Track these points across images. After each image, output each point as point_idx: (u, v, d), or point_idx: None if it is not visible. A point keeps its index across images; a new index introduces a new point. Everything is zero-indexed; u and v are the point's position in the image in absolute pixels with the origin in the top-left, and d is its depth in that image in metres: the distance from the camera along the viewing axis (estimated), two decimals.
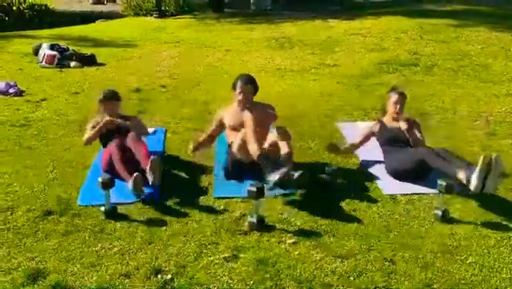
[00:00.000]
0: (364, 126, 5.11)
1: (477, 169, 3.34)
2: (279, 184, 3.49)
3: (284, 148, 3.77)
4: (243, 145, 3.75)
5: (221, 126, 4.29)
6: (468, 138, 4.91)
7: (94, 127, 4.18)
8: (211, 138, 4.36)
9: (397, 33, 10.13)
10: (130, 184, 3.59)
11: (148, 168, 3.64)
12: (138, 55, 8.94)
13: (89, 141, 4.20)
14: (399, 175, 3.91)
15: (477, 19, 11.17)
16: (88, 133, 4.18)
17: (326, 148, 4.47)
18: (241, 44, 9.82)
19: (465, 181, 3.43)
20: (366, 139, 4.33)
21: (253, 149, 3.67)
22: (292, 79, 7.20)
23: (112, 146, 3.93)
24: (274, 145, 3.78)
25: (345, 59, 8.32)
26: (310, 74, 7.49)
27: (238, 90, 4.11)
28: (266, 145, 3.78)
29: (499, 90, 6.46)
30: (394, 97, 4.20)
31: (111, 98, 4.28)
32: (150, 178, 3.63)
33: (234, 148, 3.83)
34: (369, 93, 6.41)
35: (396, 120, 4.16)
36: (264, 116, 4.08)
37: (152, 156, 3.70)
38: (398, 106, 4.16)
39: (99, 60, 8.37)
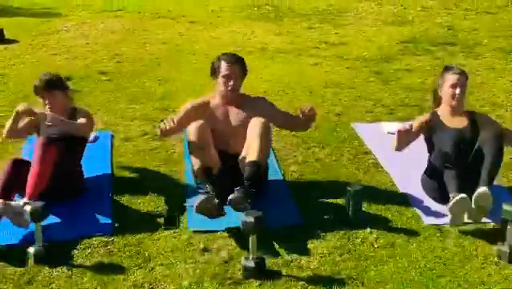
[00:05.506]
0: (391, 127, 5.16)
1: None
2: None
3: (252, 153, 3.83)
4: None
5: (188, 120, 4.12)
6: None
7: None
8: (180, 127, 4.16)
9: None
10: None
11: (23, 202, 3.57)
12: (64, 29, 8.84)
13: (8, 134, 4.07)
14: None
15: None
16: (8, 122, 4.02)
17: None
18: (209, 14, 9.82)
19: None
20: (416, 135, 4.11)
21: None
22: (285, 63, 7.23)
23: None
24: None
25: (355, 36, 8.41)
26: (308, 56, 7.53)
27: (224, 73, 4.06)
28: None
29: None
30: (452, 78, 4.04)
31: (51, 86, 4.07)
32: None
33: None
34: (393, 83, 6.47)
35: (456, 111, 4.07)
36: (259, 114, 4.06)
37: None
38: (458, 89, 4.02)
39: (7, 35, 8.23)
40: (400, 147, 3.97)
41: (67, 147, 3.92)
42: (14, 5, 10.50)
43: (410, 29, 8.68)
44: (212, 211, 3.63)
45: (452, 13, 9.53)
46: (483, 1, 10.13)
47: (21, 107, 3.94)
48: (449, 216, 3.64)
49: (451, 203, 3.59)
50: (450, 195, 3.68)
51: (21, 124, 4.04)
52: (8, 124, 4.04)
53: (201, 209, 3.61)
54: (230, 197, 3.64)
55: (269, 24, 9.14)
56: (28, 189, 3.64)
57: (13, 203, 3.58)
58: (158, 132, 4.12)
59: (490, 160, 3.74)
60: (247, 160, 3.83)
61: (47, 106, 4.07)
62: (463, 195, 3.57)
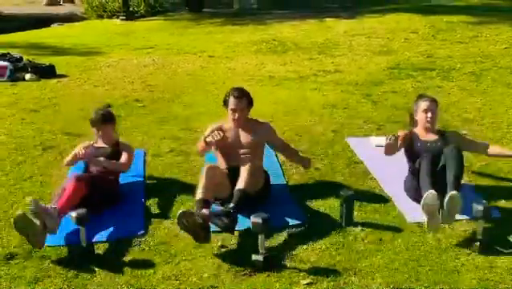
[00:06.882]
0: (379, 141, 5.15)
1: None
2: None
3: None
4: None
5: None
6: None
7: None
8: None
9: (406, 32, 10.29)
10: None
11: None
12: (105, 65, 8.90)
13: (68, 164, 4.17)
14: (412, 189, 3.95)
15: (496, 15, 11.41)
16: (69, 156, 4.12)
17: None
18: (225, 49, 9.86)
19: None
20: (402, 145, 4.10)
21: None
22: (289, 89, 7.23)
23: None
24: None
25: (349, 64, 8.39)
26: (309, 82, 7.53)
27: (231, 107, 4.12)
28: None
29: None
30: (424, 104, 4.13)
31: (106, 120, 4.19)
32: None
33: None
34: (381, 103, 6.45)
35: (429, 131, 4.11)
36: (263, 138, 4.23)
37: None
38: (429, 113, 4.08)
39: (58, 71, 8.32)
40: (389, 154, 4.03)
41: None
42: (64, 45, 10.63)
43: (395, 57, 8.66)
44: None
45: (430, 43, 9.50)
46: (456, 33, 10.08)
47: (80, 151, 4.01)
48: (425, 217, 3.51)
49: (422, 201, 3.47)
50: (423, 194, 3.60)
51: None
52: (68, 158, 4.10)
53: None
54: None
55: (276, 56, 9.16)
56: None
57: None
58: (200, 146, 4.13)
59: (455, 168, 3.71)
60: (236, 188, 3.75)
61: (99, 136, 4.20)
62: (431, 191, 3.49)
